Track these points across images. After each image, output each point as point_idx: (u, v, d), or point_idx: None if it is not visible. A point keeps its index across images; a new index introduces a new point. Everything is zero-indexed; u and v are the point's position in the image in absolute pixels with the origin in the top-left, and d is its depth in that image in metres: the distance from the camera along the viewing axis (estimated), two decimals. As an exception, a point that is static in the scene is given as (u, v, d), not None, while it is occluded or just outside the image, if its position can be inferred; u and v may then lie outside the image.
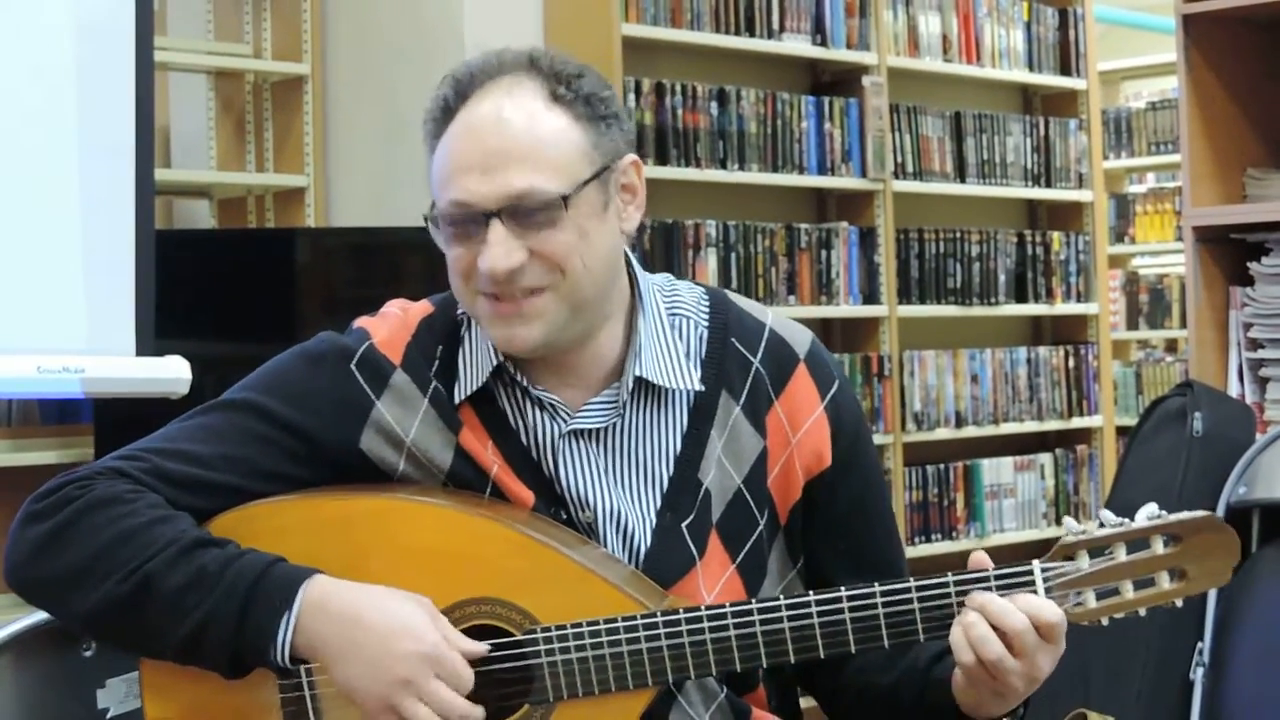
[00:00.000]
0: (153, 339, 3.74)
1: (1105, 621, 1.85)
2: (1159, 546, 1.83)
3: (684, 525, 1.96)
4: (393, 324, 2.06)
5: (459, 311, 2.05)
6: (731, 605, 1.87)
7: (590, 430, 2.00)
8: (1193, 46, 3.62)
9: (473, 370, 2.01)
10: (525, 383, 2.00)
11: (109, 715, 2.20)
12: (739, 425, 2.01)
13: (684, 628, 1.87)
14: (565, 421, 1.99)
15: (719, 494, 2.00)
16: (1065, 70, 6.35)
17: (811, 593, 1.87)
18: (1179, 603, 1.84)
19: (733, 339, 2.05)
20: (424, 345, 2.04)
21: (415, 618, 1.86)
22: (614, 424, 2.00)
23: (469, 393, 2.00)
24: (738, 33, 5.25)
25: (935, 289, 5.83)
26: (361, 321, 2.08)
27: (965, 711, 1.91)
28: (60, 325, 3.64)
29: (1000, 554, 6.34)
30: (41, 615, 2.12)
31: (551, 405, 2.00)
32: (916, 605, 1.85)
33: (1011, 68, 6.16)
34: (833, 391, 2.06)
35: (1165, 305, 8.68)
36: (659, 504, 1.99)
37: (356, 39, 5.19)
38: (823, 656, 1.87)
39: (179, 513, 1.93)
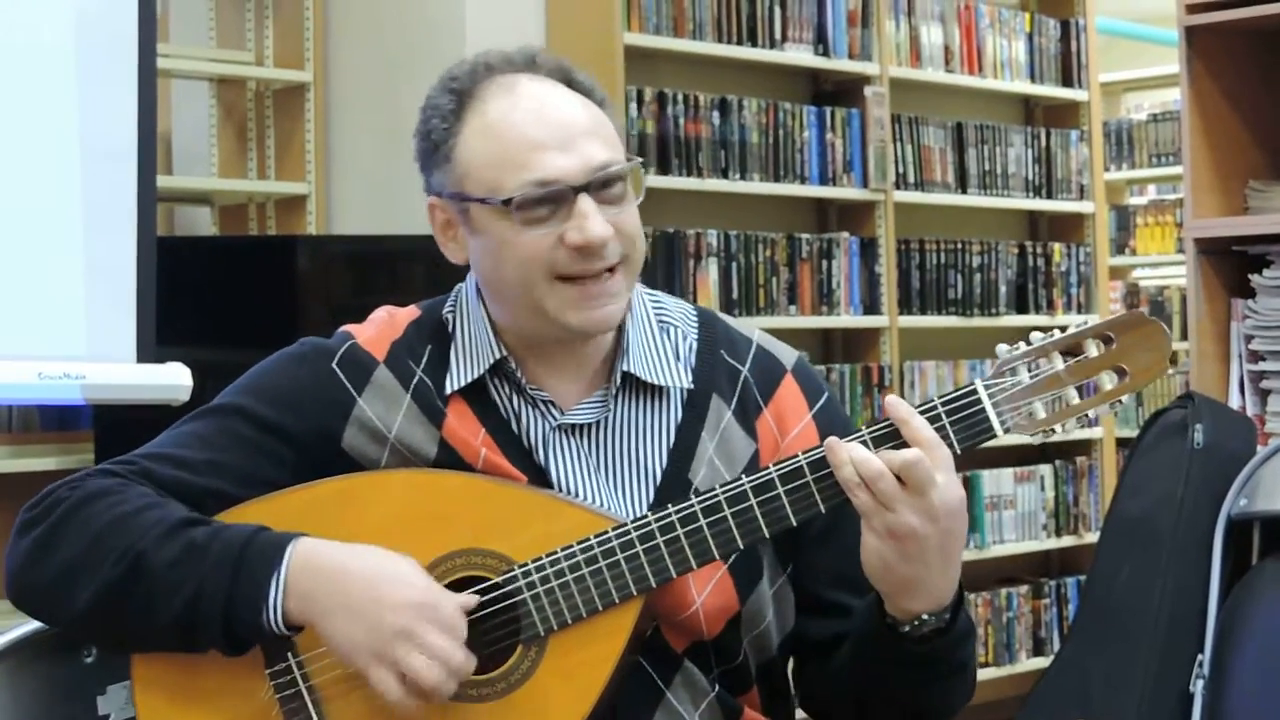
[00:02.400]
0: (153, 346, 3.74)
1: (1059, 429, 1.89)
2: (1093, 350, 1.88)
3: None
4: (379, 325, 2.10)
5: (446, 311, 2.08)
6: (699, 500, 1.89)
7: (579, 426, 2.02)
8: (1195, 58, 3.62)
9: (468, 363, 2.03)
10: (522, 379, 2.02)
11: (108, 722, 2.20)
12: (730, 428, 2.03)
13: (654, 526, 1.89)
14: (555, 418, 2.01)
15: None
16: (1067, 82, 6.35)
17: (772, 465, 1.89)
18: (1125, 400, 1.88)
19: (721, 350, 2.08)
20: (411, 344, 2.06)
21: (403, 566, 1.87)
22: (602, 419, 2.02)
23: (462, 384, 2.02)
24: (740, 42, 5.25)
25: (936, 299, 5.83)
26: (345, 327, 2.11)
27: (882, 592, 1.89)
28: (61, 332, 3.64)
29: (1000, 565, 6.32)
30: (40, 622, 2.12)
31: (543, 402, 2.02)
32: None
33: (1013, 79, 6.17)
34: (821, 402, 2.09)
35: (1166, 317, 8.68)
36: (649, 501, 2.00)
37: (359, 47, 5.19)
38: (795, 524, 1.88)
39: (167, 499, 1.94)
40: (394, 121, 5.06)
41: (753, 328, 2.14)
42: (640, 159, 2.00)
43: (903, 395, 5.62)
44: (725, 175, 5.21)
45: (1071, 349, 1.88)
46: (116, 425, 3.90)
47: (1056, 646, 5.97)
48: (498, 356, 2.02)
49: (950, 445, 1.86)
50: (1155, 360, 1.87)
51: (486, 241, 1.98)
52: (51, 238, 3.66)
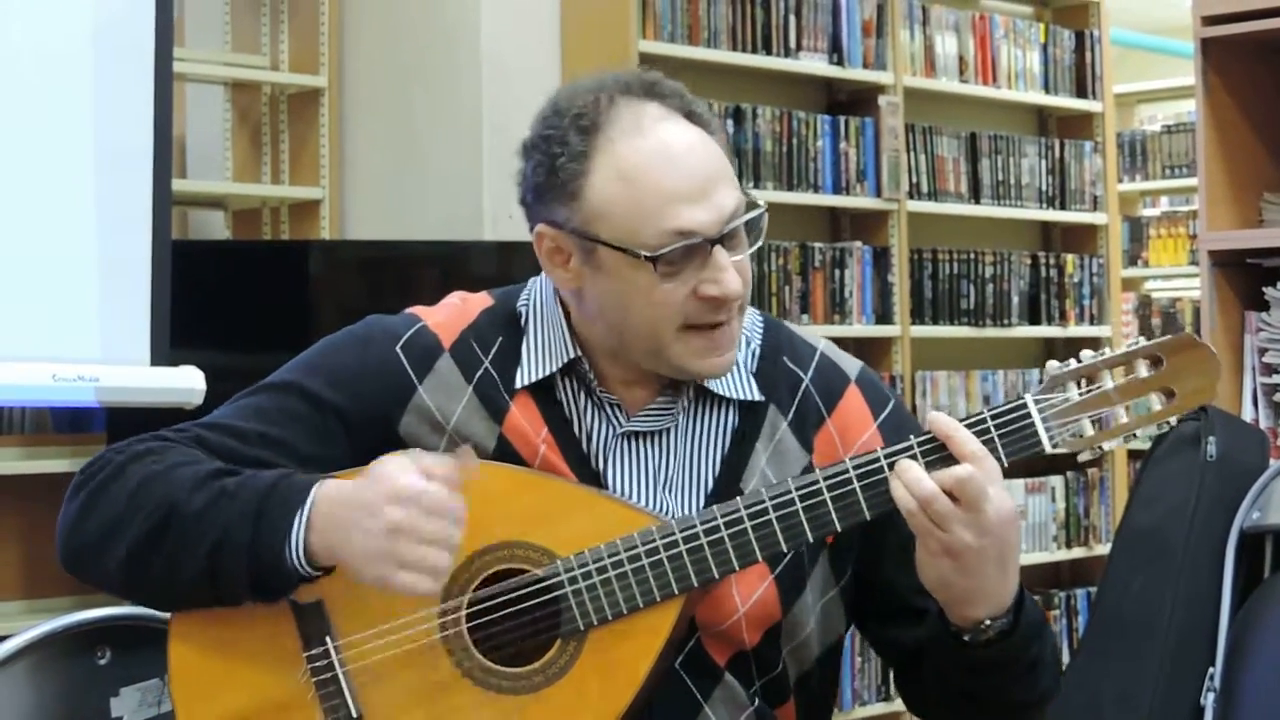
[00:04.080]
0: (167, 349, 3.75)
1: (1107, 447, 1.89)
2: (1143, 370, 1.89)
3: None
4: (450, 311, 2.09)
5: (520, 304, 2.07)
6: (744, 502, 1.90)
7: (643, 433, 2.02)
8: (1211, 70, 3.61)
9: (540, 359, 2.03)
10: (593, 382, 2.02)
11: (121, 724, 2.20)
12: (785, 440, 2.03)
13: (700, 529, 1.89)
14: (621, 423, 2.02)
15: None
16: (1081, 92, 6.35)
17: (819, 471, 1.90)
18: (1174, 421, 1.90)
19: (784, 357, 2.08)
20: (482, 333, 2.05)
21: (391, 465, 1.84)
22: (669, 428, 2.02)
23: (534, 379, 2.02)
24: (754, 51, 5.26)
25: (948, 309, 5.83)
26: (414, 309, 2.11)
27: (942, 603, 1.90)
28: (75, 334, 3.65)
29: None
30: (57, 623, 2.13)
31: (611, 406, 2.02)
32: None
33: (1027, 89, 6.17)
34: (887, 411, 2.08)
35: (1178, 328, 8.67)
36: (699, 508, 2.00)
37: (374, 52, 5.20)
38: (839, 529, 1.90)
39: (208, 457, 1.96)
40: (408, 127, 5.07)
41: (819, 337, 2.14)
42: (764, 204, 1.97)
43: (913, 406, 5.62)
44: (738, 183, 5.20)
45: (1121, 368, 1.89)
46: (129, 428, 3.89)
47: (1066, 658, 5.96)
48: (572, 356, 2.01)
49: (998, 458, 1.87)
50: (1204, 385, 1.89)
51: (615, 284, 1.94)
52: (66, 240, 3.66)
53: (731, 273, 1.92)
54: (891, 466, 1.86)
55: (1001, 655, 1.91)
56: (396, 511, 1.80)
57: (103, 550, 1.93)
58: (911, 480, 1.83)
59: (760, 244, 1.98)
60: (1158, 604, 3.09)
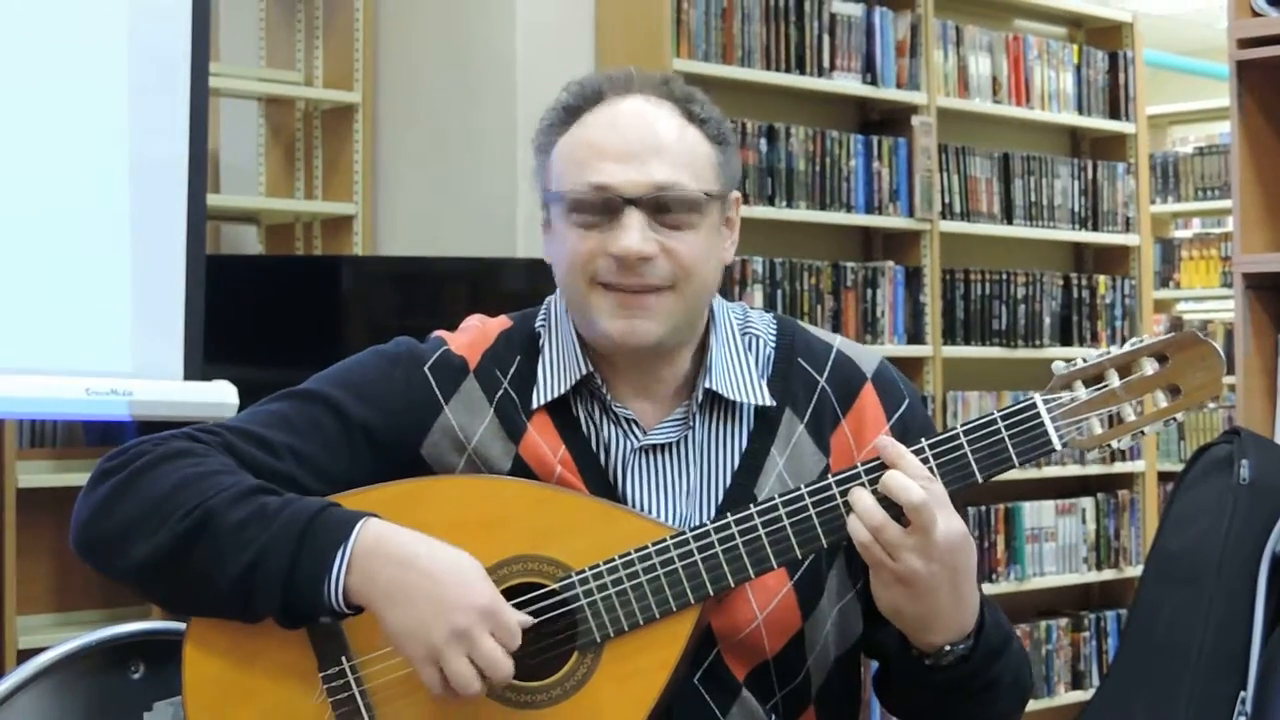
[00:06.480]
0: (200, 363, 3.76)
1: (1116, 444, 1.91)
2: (1148, 368, 1.90)
3: None
4: (471, 334, 2.11)
5: (538, 324, 2.10)
6: (756, 508, 1.90)
7: (660, 445, 2.03)
8: (1246, 93, 3.61)
9: (556, 378, 2.05)
10: (607, 396, 2.03)
11: (154, 739, 2.21)
12: (802, 443, 2.04)
13: (714, 538, 1.90)
14: (638, 438, 2.03)
15: None
16: (1114, 114, 6.34)
17: (830, 475, 1.90)
18: (1180, 417, 1.91)
19: (799, 359, 2.08)
20: (501, 355, 2.08)
21: (470, 570, 1.87)
22: (684, 437, 2.03)
23: (549, 399, 2.04)
24: (788, 70, 5.26)
25: (980, 330, 5.82)
26: (439, 332, 2.13)
27: (901, 629, 1.91)
28: (109, 348, 3.66)
29: (1040, 598, 6.26)
30: (90, 637, 2.13)
31: (628, 421, 2.03)
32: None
33: (1060, 110, 6.16)
34: (902, 410, 2.09)
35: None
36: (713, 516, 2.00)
37: (408, 69, 5.21)
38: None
39: (244, 471, 1.96)
40: (442, 143, 5.08)
41: (834, 335, 2.15)
42: (708, 193, 1.99)
43: (944, 426, 5.60)
44: (772, 202, 5.21)
45: (1126, 367, 1.91)
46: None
47: (1095, 680, 5.94)
48: (584, 372, 2.03)
49: (1008, 459, 1.88)
50: (1209, 380, 1.90)
51: (554, 237, 2.03)
52: (101, 253, 3.67)
53: (634, 234, 1.95)
54: (845, 493, 1.88)
55: (958, 677, 1.93)
56: (464, 618, 1.83)
57: (127, 542, 1.92)
58: (864, 510, 1.84)
59: (689, 231, 1.98)
60: (1189, 627, 3.08)
